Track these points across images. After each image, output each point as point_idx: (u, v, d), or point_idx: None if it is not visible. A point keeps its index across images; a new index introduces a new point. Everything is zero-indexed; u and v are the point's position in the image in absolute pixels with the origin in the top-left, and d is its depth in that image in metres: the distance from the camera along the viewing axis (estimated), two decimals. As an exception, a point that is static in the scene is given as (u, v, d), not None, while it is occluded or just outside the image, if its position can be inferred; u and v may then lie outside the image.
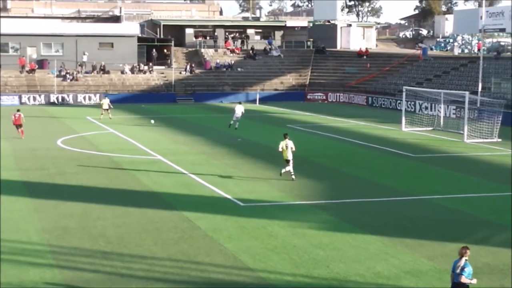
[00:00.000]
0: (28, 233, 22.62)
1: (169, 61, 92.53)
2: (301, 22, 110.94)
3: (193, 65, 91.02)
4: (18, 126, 47.37)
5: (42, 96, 79.58)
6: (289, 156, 31.69)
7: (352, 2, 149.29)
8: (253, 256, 20.25)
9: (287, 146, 31.66)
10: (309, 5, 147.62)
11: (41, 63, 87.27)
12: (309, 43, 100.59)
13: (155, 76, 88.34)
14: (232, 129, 52.17)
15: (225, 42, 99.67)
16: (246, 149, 42.92)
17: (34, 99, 79.02)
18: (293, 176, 31.90)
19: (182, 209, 26.11)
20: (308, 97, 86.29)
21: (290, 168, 31.84)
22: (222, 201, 27.94)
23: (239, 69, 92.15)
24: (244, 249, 20.94)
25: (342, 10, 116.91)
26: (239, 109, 53.45)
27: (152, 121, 57.50)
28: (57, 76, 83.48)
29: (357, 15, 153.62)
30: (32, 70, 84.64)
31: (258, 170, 34.93)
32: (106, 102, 61.73)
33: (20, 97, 78.13)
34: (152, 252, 20.60)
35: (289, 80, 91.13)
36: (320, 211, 26.25)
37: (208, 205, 27.17)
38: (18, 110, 48.83)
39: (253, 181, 32.16)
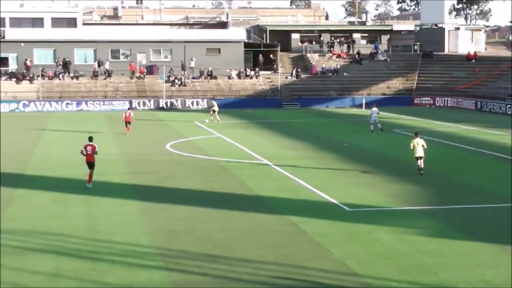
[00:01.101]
0: (137, 235, 23.15)
1: (275, 66, 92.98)
2: (408, 26, 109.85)
3: (299, 70, 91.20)
4: (127, 123, 51.85)
5: (152, 101, 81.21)
6: (421, 153, 34.09)
7: (460, 5, 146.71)
8: (359, 261, 20.18)
9: (418, 144, 34.12)
10: (416, 9, 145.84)
11: (150, 69, 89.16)
12: (416, 47, 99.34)
13: (261, 81, 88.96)
14: (344, 133, 52.83)
15: (331, 46, 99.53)
16: (352, 154, 42.75)
17: (144, 104, 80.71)
18: (422, 172, 34.08)
19: (287, 214, 26.22)
20: (415, 101, 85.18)
21: (421, 164, 34.12)
22: (327, 206, 27.94)
23: (345, 74, 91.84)
24: (350, 254, 20.89)
25: (449, 13, 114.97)
26: (375, 111, 54.55)
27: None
28: (166, 81, 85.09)
29: (465, 18, 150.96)
30: (141, 75, 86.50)
31: (364, 175, 34.76)
32: (216, 104, 63.80)
33: (130, 102, 79.86)
34: (258, 256, 20.76)
35: (396, 84, 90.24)
36: (426, 217, 25.92)
37: (313, 209, 27.20)
38: (129, 109, 55.57)
39: (358, 186, 32.03)
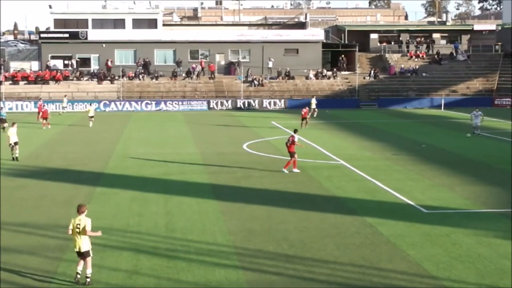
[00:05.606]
0: (214, 234, 23.34)
1: (352, 66, 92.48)
2: (489, 25, 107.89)
3: (377, 70, 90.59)
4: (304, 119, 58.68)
5: (229, 101, 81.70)
6: None
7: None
8: (437, 264, 19.97)
9: None
10: (498, 8, 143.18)
11: (229, 69, 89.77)
12: (497, 47, 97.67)
13: (339, 81, 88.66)
14: (422, 134, 52.78)
15: (409, 46, 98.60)
16: (430, 155, 42.27)
17: (222, 104, 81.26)
18: None
19: (364, 215, 26.09)
20: (496, 102, 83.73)
21: None
22: (405, 208, 27.69)
23: (423, 74, 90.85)
24: (427, 256, 20.68)
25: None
26: (479, 113, 54.05)
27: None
28: (244, 81, 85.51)
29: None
30: (213, 74, 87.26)
31: (443, 177, 34.34)
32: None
33: (208, 103, 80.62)
34: (334, 256, 20.73)
35: (476, 85, 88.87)
36: (507, 219, 25.42)
37: (390, 211, 27.00)
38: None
39: (437, 187, 31.66)
